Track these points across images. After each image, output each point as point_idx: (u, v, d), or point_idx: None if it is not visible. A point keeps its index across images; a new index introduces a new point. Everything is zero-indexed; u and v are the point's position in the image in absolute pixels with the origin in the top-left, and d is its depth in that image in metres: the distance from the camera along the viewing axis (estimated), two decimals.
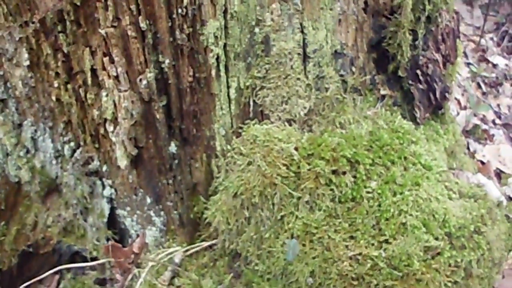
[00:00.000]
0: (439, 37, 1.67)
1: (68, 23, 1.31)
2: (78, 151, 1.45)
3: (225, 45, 1.33)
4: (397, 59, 1.60)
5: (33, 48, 1.36)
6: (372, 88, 1.60)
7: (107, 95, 1.33)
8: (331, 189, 1.36)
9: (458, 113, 2.57)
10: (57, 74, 1.37)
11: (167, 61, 1.31)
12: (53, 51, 1.35)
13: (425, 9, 1.60)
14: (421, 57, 1.64)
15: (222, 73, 1.35)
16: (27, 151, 1.48)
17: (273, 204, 1.34)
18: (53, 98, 1.40)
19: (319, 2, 1.41)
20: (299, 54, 1.41)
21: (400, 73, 1.62)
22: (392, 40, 1.59)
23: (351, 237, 1.35)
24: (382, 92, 1.62)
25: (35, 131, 1.46)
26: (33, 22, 1.33)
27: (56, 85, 1.38)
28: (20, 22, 1.34)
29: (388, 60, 1.61)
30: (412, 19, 1.58)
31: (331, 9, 1.44)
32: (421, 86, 1.65)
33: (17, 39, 1.36)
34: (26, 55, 1.38)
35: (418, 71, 1.64)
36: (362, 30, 1.54)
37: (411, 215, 1.36)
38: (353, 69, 1.53)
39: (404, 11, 1.56)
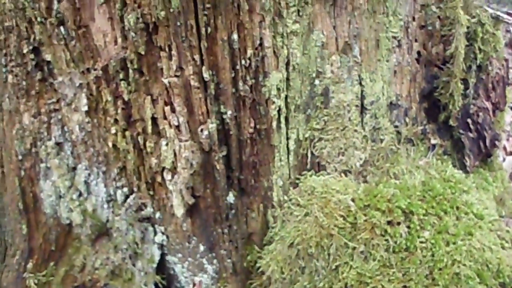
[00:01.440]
0: (490, 85, 1.67)
1: (130, 71, 1.31)
2: (131, 197, 1.45)
3: (286, 97, 1.34)
4: (449, 108, 1.59)
5: (92, 94, 1.37)
6: (423, 138, 1.60)
7: (167, 144, 1.33)
8: (386, 239, 1.35)
9: (504, 159, 2.55)
10: (115, 120, 1.37)
11: (229, 112, 1.31)
12: (113, 98, 1.35)
13: (476, 58, 1.60)
14: (471, 106, 1.63)
15: (283, 125, 1.35)
16: (80, 194, 1.48)
17: (328, 254, 1.34)
18: (109, 144, 1.40)
19: (377, 54, 1.42)
20: (356, 106, 1.41)
21: (451, 122, 1.62)
22: (444, 90, 1.59)
23: (405, 287, 1.33)
24: (433, 141, 1.61)
25: (89, 175, 1.46)
26: (95, 69, 1.34)
27: (113, 131, 1.38)
28: (82, 69, 1.35)
29: (439, 109, 1.61)
30: (464, 68, 1.59)
31: (387, 61, 1.44)
32: (471, 135, 1.65)
33: (77, 84, 1.37)
34: (85, 101, 1.38)
35: (469, 120, 1.64)
36: (415, 80, 1.55)
37: (464, 265, 1.35)
38: (407, 119, 1.53)
39: (457, 61, 1.56)
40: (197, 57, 1.27)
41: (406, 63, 1.50)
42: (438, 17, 1.53)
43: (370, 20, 1.37)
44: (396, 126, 1.50)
